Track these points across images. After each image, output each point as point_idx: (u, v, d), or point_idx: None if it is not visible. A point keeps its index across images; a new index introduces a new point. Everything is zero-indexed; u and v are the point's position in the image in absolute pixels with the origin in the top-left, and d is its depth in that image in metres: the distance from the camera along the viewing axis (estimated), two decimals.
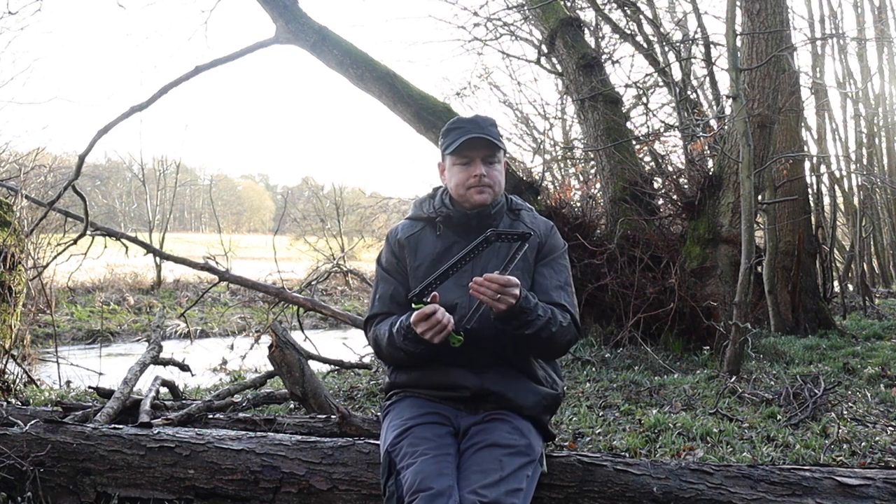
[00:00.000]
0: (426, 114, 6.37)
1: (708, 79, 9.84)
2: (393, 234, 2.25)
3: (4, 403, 3.81)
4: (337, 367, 5.91)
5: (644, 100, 10.19)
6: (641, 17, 9.32)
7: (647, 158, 8.87)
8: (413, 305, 1.94)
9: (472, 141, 2.11)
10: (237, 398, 4.28)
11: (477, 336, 2.01)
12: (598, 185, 7.85)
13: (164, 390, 4.49)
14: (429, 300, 1.91)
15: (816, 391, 4.01)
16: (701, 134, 7.00)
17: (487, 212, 2.14)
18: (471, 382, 2.04)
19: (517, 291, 1.89)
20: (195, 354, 7.49)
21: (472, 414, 2.05)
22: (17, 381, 5.27)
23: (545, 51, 8.31)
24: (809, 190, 8.85)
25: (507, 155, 2.26)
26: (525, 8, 8.31)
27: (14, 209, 5.33)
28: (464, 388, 2.04)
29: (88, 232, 6.21)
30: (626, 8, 9.33)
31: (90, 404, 3.78)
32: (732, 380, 4.59)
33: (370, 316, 2.20)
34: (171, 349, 5.99)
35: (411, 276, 2.15)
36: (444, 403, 2.07)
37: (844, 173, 12.77)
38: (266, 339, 6.84)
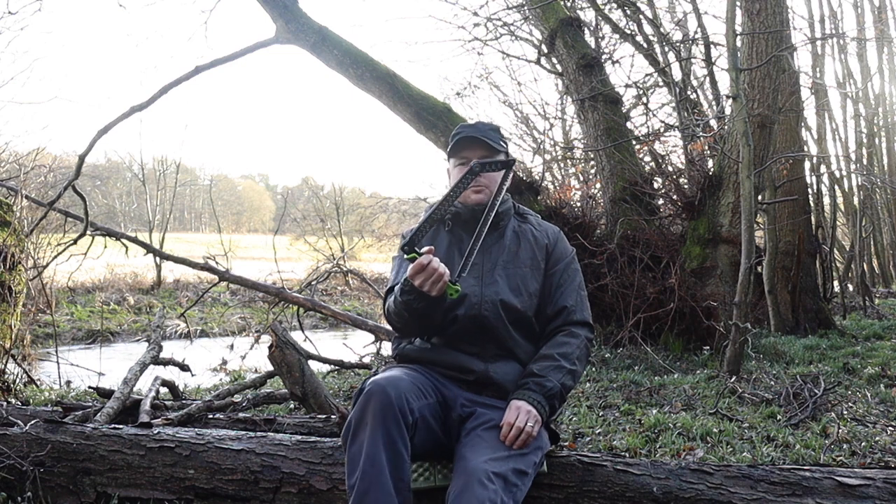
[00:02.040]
0: (426, 114, 6.37)
1: (708, 79, 9.85)
2: (408, 231, 2.27)
3: (4, 403, 3.81)
4: (337, 367, 5.91)
5: (644, 100, 10.20)
6: (641, 17, 9.32)
7: (647, 158, 8.87)
8: (406, 257, 1.95)
9: (466, 141, 2.18)
10: (237, 398, 4.28)
11: (486, 326, 2.09)
12: (598, 185, 7.84)
13: (164, 390, 4.49)
14: (422, 251, 1.92)
15: (816, 391, 4.01)
16: (701, 134, 7.00)
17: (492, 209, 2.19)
18: (477, 367, 2.09)
19: (532, 426, 1.92)
20: (195, 354, 7.49)
21: (476, 395, 2.08)
22: (17, 381, 5.26)
23: (545, 51, 8.31)
24: (809, 190, 8.85)
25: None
26: (525, 8, 8.31)
27: (14, 209, 5.33)
28: (469, 372, 2.09)
29: (88, 232, 6.21)
30: (626, 8, 9.33)
31: (90, 404, 3.78)
32: (732, 380, 4.60)
33: (389, 288, 2.21)
34: (171, 349, 5.98)
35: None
36: (446, 379, 2.10)
37: (844, 173, 12.77)
38: (266, 339, 6.85)
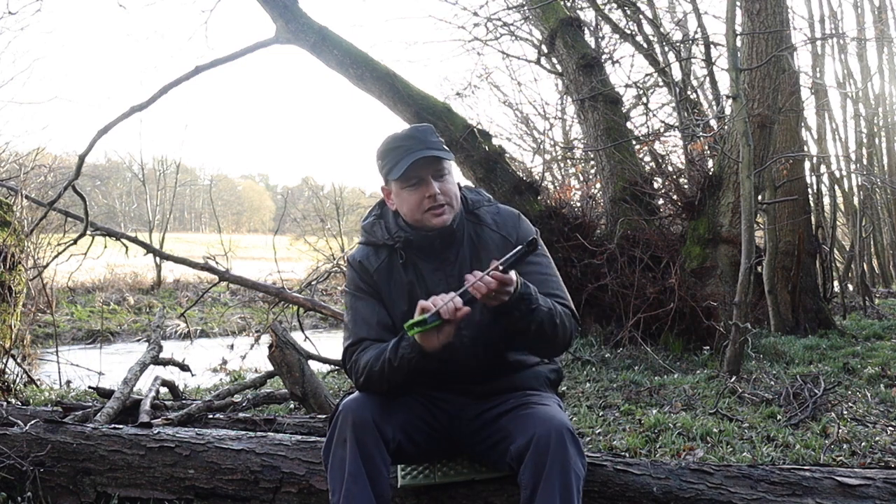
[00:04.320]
0: (426, 114, 6.37)
1: (708, 79, 9.84)
2: (355, 260, 2.05)
3: (4, 403, 3.82)
4: (337, 367, 5.91)
5: (644, 100, 10.20)
6: (641, 17, 9.31)
7: (647, 158, 8.87)
8: (428, 327, 1.74)
9: (419, 163, 1.90)
10: (237, 398, 4.28)
11: (482, 367, 2.00)
12: (598, 185, 7.85)
13: (164, 390, 4.49)
14: (431, 315, 1.74)
15: (816, 391, 4.01)
16: (701, 134, 6.99)
17: (450, 230, 1.96)
18: (476, 390, 2.04)
19: (511, 288, 1.76)
20: (195, 354, 7.49)
21: (483, 402, 2.02)
22: (17, 381, 5.27)
23: (545, 51, 8.31)
24: (809, 190, 8.84)
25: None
26: (525, 8, 8.31)
27: (14, 209, 5.34)
28: (469, 393, 2.04)
29: (88, 232, 6.21)
30: (626, 8, 9.33)
31: (90, 404, 3.79)
32: (732, 380, 4.59)
33: (351, 343, 1.98)
34: (171, 349, 5.98)
35: (388, 310, 2.00)
36: (445, 393, 2.03)
37: (844, 173, 12.76)
38: (266, 339, 6.84)
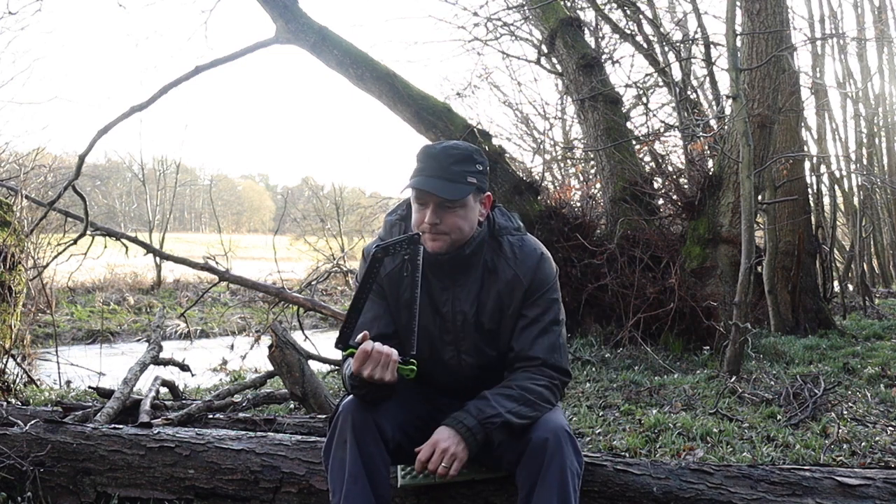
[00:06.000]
0: (426, 114, 6.38)
1: (708, 79, 9.85)
2: (369, 253, 2.00)
3: (4, 403, 3.81)
4: (337, 367, 5.90)
5: (644, 100, 10.20)
6: (641, 17, 9.31)
7: (647, 158, 8.87)
8: (344, 354, 1.82)
9: (421, 191, 1.87)
10: (237, 398, 4.28)
11: (470, 384, 2.00)
12: (598, 185, 7.85)
13: (164, 390, 4.49)
14: (357, 340, 1.77)
15: (816, 391, 4.02)
16: (701, 134, 6.99)
17: (462, 253, 1.94)
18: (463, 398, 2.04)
19: (459, 455, 1.80)
20: (195, 354, 7.48)
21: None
22: (17, 381, 5.26)
23: (545, 51, 8.32)
24: (809, 190, 8.84)
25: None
26: (525, 8, 8.31)
27: (14, 209, 5.34)
28: (469, 399, 2.03)
29: (88, 232, 6.21)
30: (626, 8, 9.33)
31: (90, 404, 3.79)
32: (732, 380, 4.60)
33: (348, 329, 1.96)
34: (171, 349, 5.98)
35: (393, 314, 2.01)
36: (445, 395, 2.06)
37: (844, 173, 12.76)
38: (266, 339, 6.84)
